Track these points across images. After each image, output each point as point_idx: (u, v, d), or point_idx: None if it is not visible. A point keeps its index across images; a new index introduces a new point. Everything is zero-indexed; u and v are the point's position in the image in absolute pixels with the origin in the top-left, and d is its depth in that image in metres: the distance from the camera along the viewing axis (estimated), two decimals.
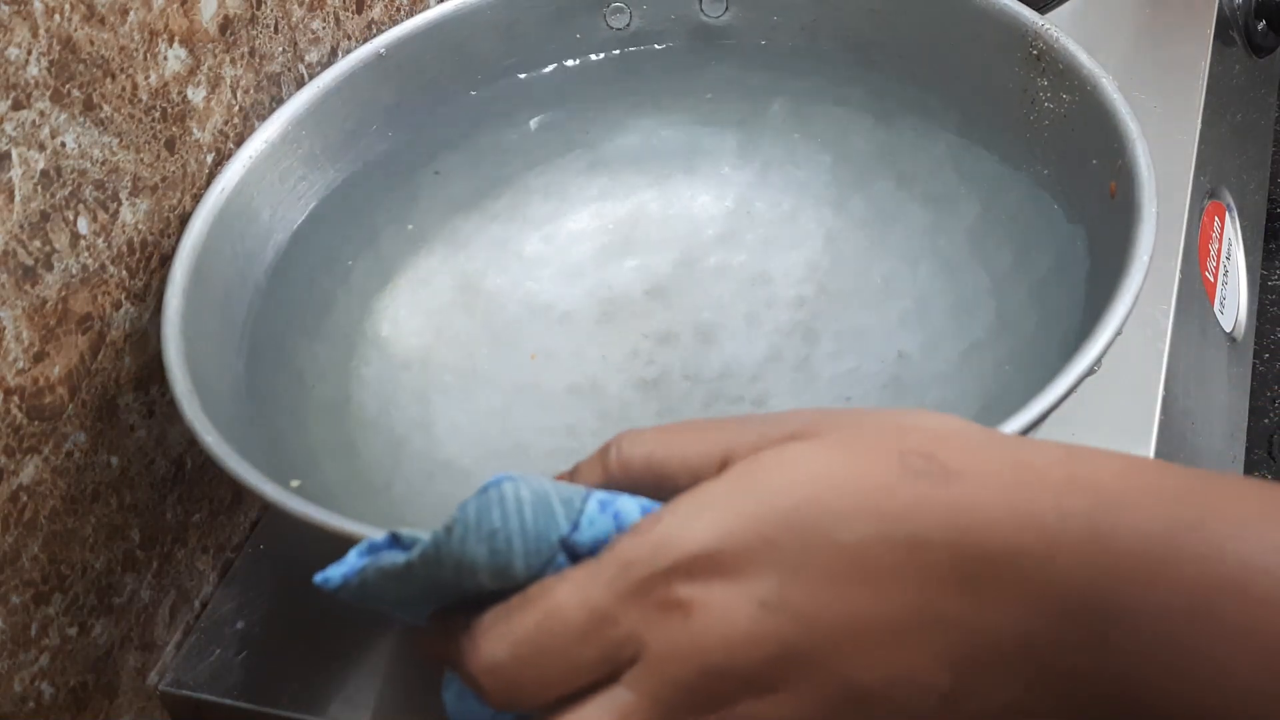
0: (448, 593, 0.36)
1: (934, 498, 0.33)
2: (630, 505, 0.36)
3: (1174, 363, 0.63)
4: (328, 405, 0.56)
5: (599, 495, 0.36)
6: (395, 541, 0.36)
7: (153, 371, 0.55)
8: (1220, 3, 0.83)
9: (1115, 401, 0.59)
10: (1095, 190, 0.54)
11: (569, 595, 0.34)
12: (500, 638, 0.35)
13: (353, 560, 0.36)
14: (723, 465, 0.35)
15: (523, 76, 0.67)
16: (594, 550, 0.35)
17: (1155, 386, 0.60)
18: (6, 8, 0.45)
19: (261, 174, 0.59)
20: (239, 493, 0.62)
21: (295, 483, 0.49)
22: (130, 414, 0.55)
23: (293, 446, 0.54)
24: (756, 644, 0.33)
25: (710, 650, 0.33)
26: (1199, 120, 0.74)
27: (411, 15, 0.67)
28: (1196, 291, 0.72)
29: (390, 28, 0.64)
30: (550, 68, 0.67)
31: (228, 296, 0.56)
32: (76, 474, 0.52)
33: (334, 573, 0.36)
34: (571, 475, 0.39)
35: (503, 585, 0.35)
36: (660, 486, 0.36)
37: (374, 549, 0.37)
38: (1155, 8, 0.84)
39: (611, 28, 0.67)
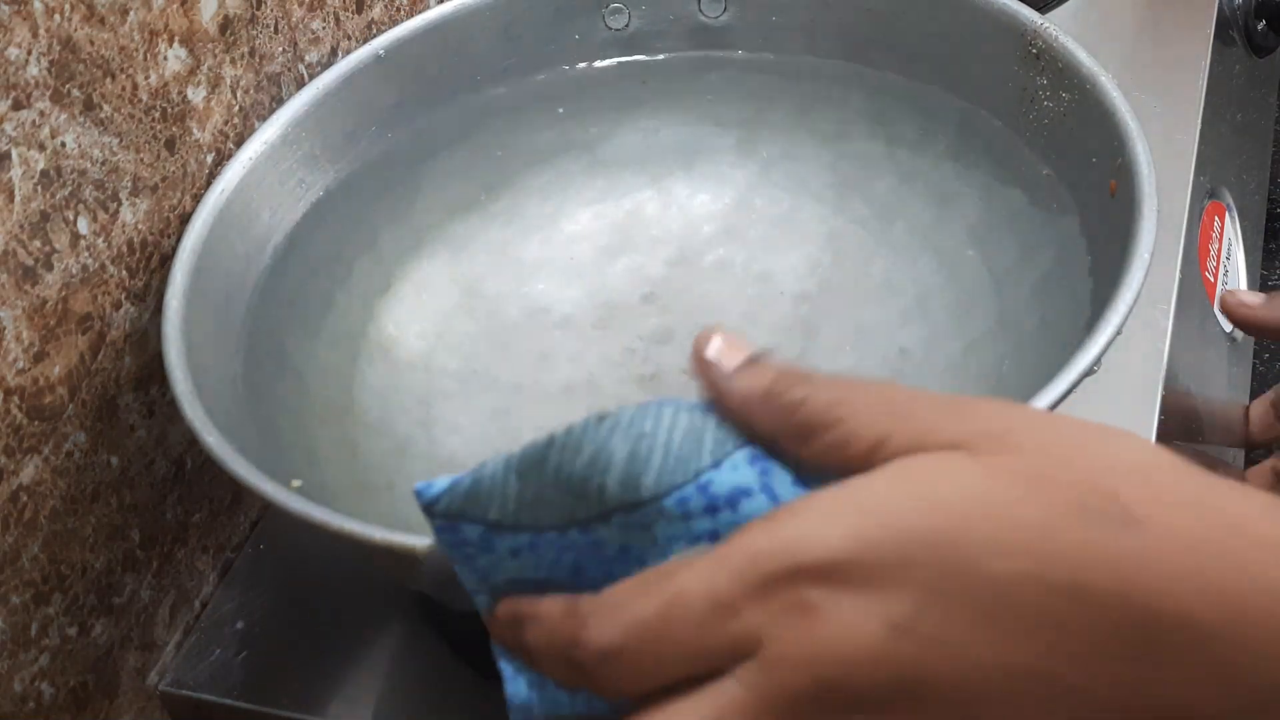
0: (558, 503, 0.35)
1: (1108, 546, 0.30)
2: (781, 475, 0.34)
3: (1174, 363, 0.63)
4: (329, 406, 0.57)
5: (752, 449, 0.34)
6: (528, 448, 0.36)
7: (153, 371, 0.56)
8: (1220, 3, 0.84)
9: (1115, 401, 0.60)
10: (1095, 188, 0.54)
11: (694, 581, 0.32)
12: (614, 620, 0.33)
13: (460, 475, 0.36)
14: (875, 448, 0.33)
15: (522, 77, 0.67)
16: (730, 500, 0.34)
17: (1155, 386, 0.61)
18: (6, 8, 0.46)
19: (261, 175, 0.59)
20: (239, 493, 0.63)
21: (296, 483, 0.49)
22: (130, 414, 0.55)
23: (293, 447, 0.54)
24: (879, 665, 0.31)
25: (829, 661, 0.31)
26: (1199, 120, 0.75)
27: (412, 15, 0.67)
28: (1196, 291, 0.73)
29: (390, 28, 0.64)
30: (549, 69, 0.68)
31: (228, 298, 0.57)
32: (76, 474, 0.52)
33: (439, 481, 0.36)
34: (745, 371, 0.36)
35: (625, 499, 0.34)
36: (809, 440, 0.34)
37: (491, 467, 0.36)
38: (1155, 8, 0.84)
39: (610, 28, 0.68)
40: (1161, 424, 0.59)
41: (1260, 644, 0.29)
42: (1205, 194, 0.76)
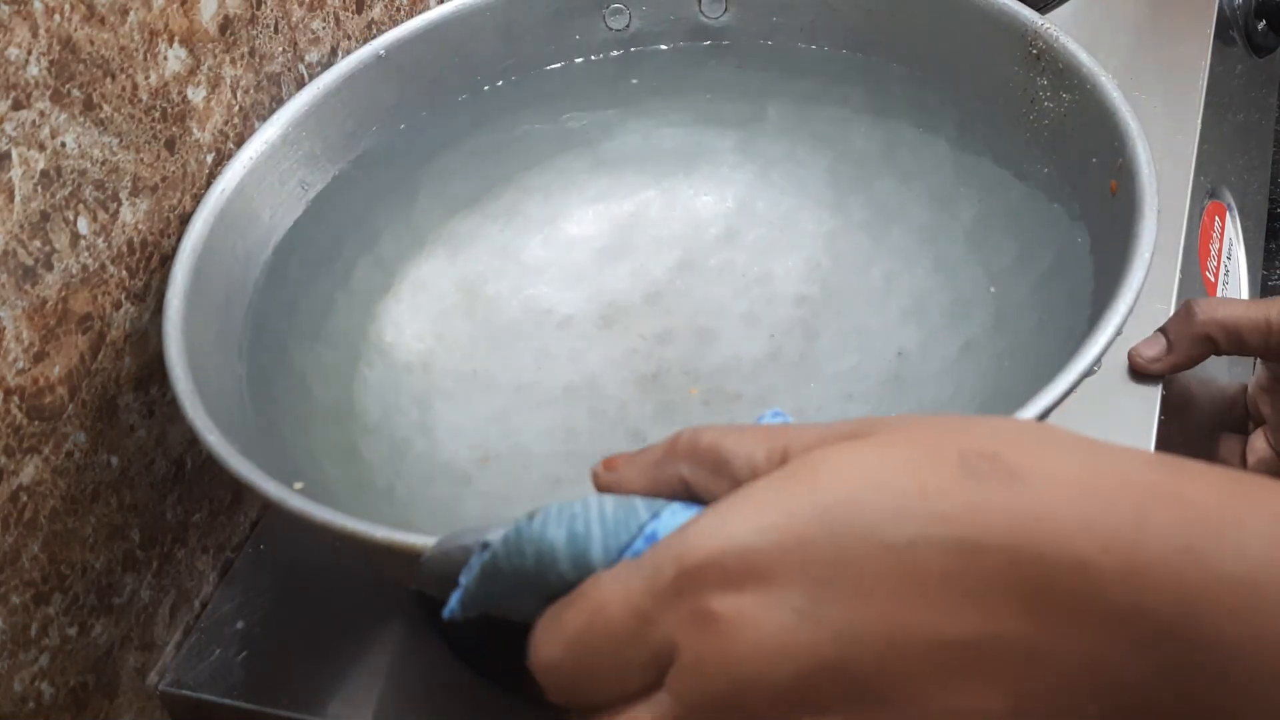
0: (534, 587, 0.35)
1: (994, 501, 0.30)
2: None
3: None
4: (330, 408, 0.57)
5: (683, 501, 0.35)
6: (485, 551, 0.36)
7: (153, 371, 0.56)
8: (1220, 2, 0.84)
9: (1115, 401, 0.60)
10: (1096, 189, 0.54)
11: (612, 593, 0.33)
12: (554, 636, 0.34)
13: (460, 583, 0.37)
14: (781, 462, 0.33)
15: (522, 77, 0.68)
16: None
17: (1155, 386, 0.61)
18: (6, 8, 0.46)
19: (262, 175, 0.59)
20: (239, 493, 0.63)
21: (298, 485, 0.49)
22: (130, 414, 0.55)
23: (294, 449, 0.55)
24: (790, 657, 0.31)
25: (739, 662, 0.31)
26: (1199, 120, 0.75)
27: (412, 15, 0.67)
28: (1197, 291, 0.73)
29: (390, 28, 0.64)
30: (550, 69, 0.68)
31: (228, 299, 0.57)
32: (76, 474, 0.52)
33: (452, 600, 0.37)
34: (636, 455, 0.37)
35: (582, 577, 0.34)
36: (718, 471, 0.34)
37: (469, 570, 0.37)
38: (1155, 8, 0.84)
39: (611, 28, 0.68)
40: (1161, 424, 0.59)
41: (1154, 586, 0.29)
42: (1206, 194, 0.76)
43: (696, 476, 0.35)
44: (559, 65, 0.68)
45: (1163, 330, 0.60)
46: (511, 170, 0.66)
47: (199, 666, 0.57)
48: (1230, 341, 0.59)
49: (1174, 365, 0.60)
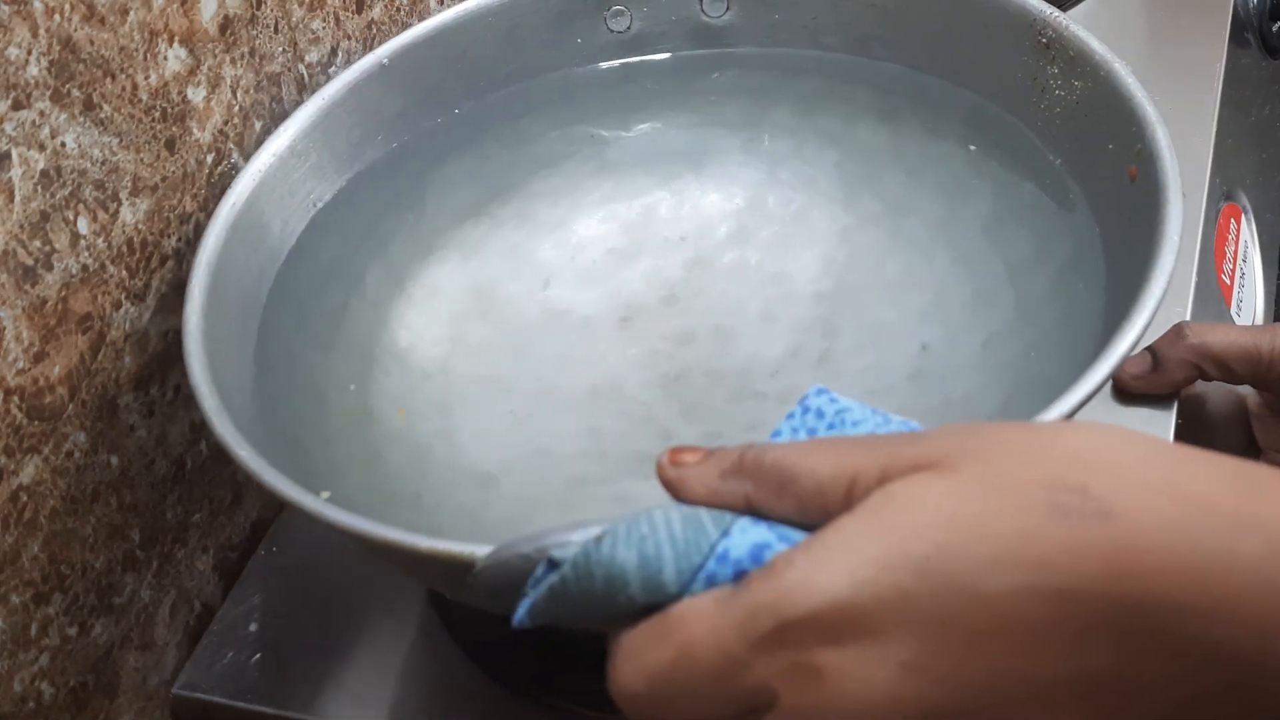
0: (602, 608, 0.36)
1: (1087, 542, 0.31)
2: (786, 527, 0.35)
3: None
4: (349, 417, 0.57)
5: (749, 516, 0.36)
6: (551, 566, 0.36)
7: (153, 371, 0.57)
8: (1235, 4, 0.84)
9: (1132, 405, 0.60)
10: (1112, 175, 0.55)
11: (702, 633, 0.33)
12: (638, 668, 0.34)
13: (527, 593, 0.37)
14: (850, 487, 0.34)
15: (525, 82, 0.68)
16: (754, 557, 0.35)
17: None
18: (6, 8, 0.47)
19: (271, 187, 0.60)
20: (239, 493, 0.63)
21: (325, 494, 0.49)
22: (130, 414, 0.56)
23: (315, 459, 0.55)
24: (896, 709, 0.32)
25: (846, 715, 0.32)
26: (1214, 122, 0.76)
27: (413, 15, 0.68)
28: (1213, 294, 0.73)
29: (390, 28, 0.65)
30: (552, 72, 0.69)
31: (243, 311, 0.58)
32: (76, 474, 0.53)
33: (520, 613, 0.37)
34: (701, 461, 0.38)
35: (654, 599, 0.35)
36: (783, 490, 0.35)
37: (535, 581, 0.37)
38: (1169, 10, 0.85)
39: (612, 31, 0.69)
40: (1179, 427, 0.59)
41: (1239, 620, 0.30)
42: (1221, 196, 0.77)
43: (760, 495, 0.36)
44: (562, 69, 0.68)
45: (1151, 349, 0.59)
46: (518, 175, 0.67)
47: (212, 669, 0.57)
48: (1218, 369, 0.58)
49: (1158, 386, 0.59)
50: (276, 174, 0.60)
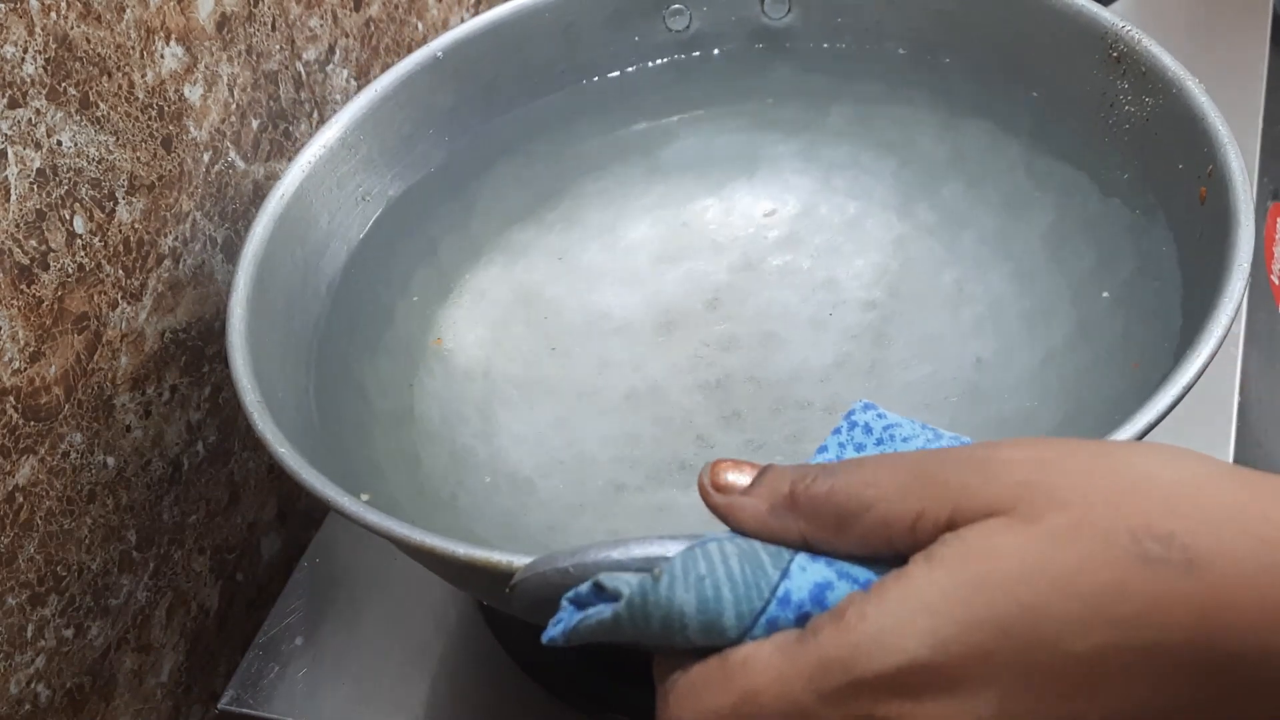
0: (655, 644, 0.35)
1: (1176, 596, 0.31)
2: (845, 562, 0.35)
3: (1247, 368, 0.63)
4: (391, 418, 0.57)
5: (805, 552, 0.35)
6: (599, 591, 0.36)
7: (149, 371, 0.56)
8: (1275, 5, 0.84)
9: (1191, 409, 0.59)
10: (1182, 195, 0.54)
11: (768, 681, 0.33)
12: (697, 710, 0.34)
13: (565, 615, 0.36)
14: (916, 520, 0.33)
15: (580, 81, 0.68)
16: (816, 599, 0.34)
17: (1231, 393, 0.61)
18: (3, 5, 0.46)
19: (320, 179, 0.59)
20: (235, 494, 0.63)
21: (364, 496, 0.49)
22: (127, 414, 0.55)
23: (356, 459, 0.55)
24: None
25: None
26: (1260, 121, 0.75)
27: (409, 14, 0.67)
28: (1264, 295, 0.73)
29: (389, 25, 0.65)
30: (608, 72, 0.68)
31: (289, 305, 0.57)
32: (73, 474, 0.53)
33: (554, 630, 0.36)
34: (749, 490, 0.37)
35: (713, 643, 0.34)
36: (842, 529, 0.34)
37: (579, 601, 0.36)
38: (1209, 10, 0.84)
39: (671, 30, 0.68)
40: (1239, 430, 0.59)
41: None
42: (1269, 195, 0.76)
43: (818, 534, 0.35)
44: (617, 68, 0.68)
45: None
46: (569, 177, 0.66)
47: (260, 684, 0.56)
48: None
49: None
50: (326, 166, 0.60)
